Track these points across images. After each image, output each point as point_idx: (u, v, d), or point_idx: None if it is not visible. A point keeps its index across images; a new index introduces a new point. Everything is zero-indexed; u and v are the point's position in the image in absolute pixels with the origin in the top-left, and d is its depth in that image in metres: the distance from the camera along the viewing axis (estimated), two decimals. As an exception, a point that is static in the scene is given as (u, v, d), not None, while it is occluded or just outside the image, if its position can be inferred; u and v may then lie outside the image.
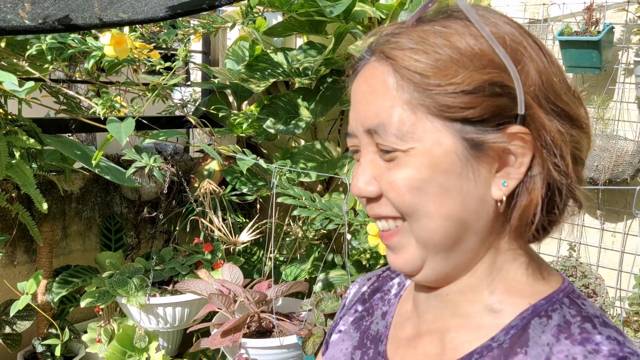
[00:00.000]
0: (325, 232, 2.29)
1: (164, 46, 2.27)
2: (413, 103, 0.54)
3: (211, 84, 2.57)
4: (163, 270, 2.15)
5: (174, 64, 1.95)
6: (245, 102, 2.68)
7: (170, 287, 2.14)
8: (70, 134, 2.33)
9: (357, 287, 0.80)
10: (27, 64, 1.88)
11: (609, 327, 0.54)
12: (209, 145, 2.09)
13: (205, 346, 1.87)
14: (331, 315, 1.76)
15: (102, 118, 1.80)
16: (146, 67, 2.08)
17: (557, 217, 0.58)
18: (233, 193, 2.38)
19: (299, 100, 2.29)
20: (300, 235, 2.31)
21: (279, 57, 2.27)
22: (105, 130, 1.76)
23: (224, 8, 2.59)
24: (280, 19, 2.48)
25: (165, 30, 2.09)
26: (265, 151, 2.75)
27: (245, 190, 2.34)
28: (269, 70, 2.23)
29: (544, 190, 0.55)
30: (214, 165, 2.49)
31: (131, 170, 1.80)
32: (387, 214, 0.58)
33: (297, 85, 2.39)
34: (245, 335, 1.87)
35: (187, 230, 2.47)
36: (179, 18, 2.03)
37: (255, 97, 2.66)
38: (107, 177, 2.00)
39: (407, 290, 0.72)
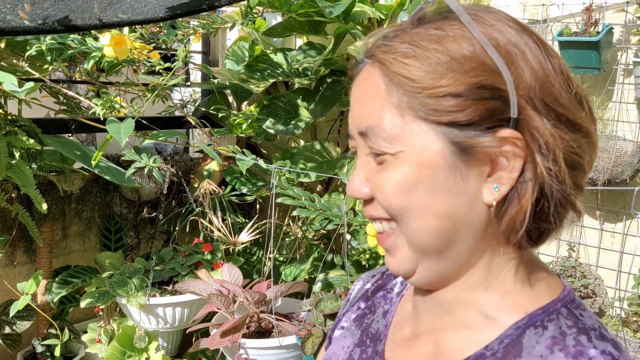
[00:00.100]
0: (324, 232, 2.30)
1: (163, 47, 2.28)
2: (402, 107, 0.54)
3: (211, 85, 2.57)
4: (163, 271, 2.15)
5: (174, 64, 1.95)
6: (245, 103, 2.68)
7: (170, 288, 2.14)
8: (70, 135, 2.33)
9: (362, 284, 0.80)
10: (26, 64, 1.89)
11: (605, 341, 0.53)
12: (209, 145, 2.09)
13: (204, 346, 1.87)
14: (330, 316, 1.76)
15: (102, 118, 1.81)
16: (146, 68, 2.08)
17: (553, 225, 0.56)
18: (233, 193, 2.38)
19: (299, 101, 2.29)
20: (299, 235, 2.32)
21: (278, 58, 2.27)
22: (105, 130, 1.76)
23: (223, 9, 2.59)
24: (279, 19, 2.48)
25: (165, 31, 2.09)
26: (264, 151, 2.75)
27: (244, 190, 2.34)
28: (269, 71, 2.23)
29: (535, 197, 0.54)
30: (213, 165, 2.49)
31: (131, 170, 1.80)
32: (380, 215, 0.58)
33: (296, 86, 2.39)
34: (244, 336, 1.87)
35: (187, 230, 2.47)
36: (179, 19, 2.04)
37: (254, 98, 2.66)
38: (107, 178, 2.00)
39: (409, 290, 0.72)
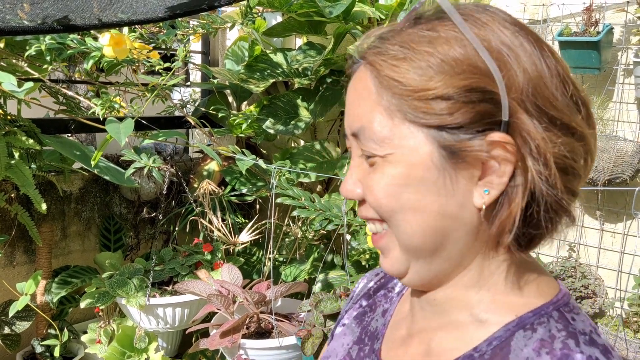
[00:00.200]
0: (324, 232, 2.29)
1: (163, 46, 2.27)
2: (391, 109, 0.54)
3: (210, 85, 2.57)
4: (163, 271, 2.15)
5: (174, 64, 1.95)
6: (245, 103, 2.67)
7: (170, 288, 2.14)
8: (69, 135, 2.33)
9: (365, 282, 0.80)
10: (26, 64, 1.88)
11: (594, 346, 0.52)
12: (209, 145, 2.09)
13: (204, 347, 1.86)
14: (330, 316, 1.75)
15: (102, 118, 1.80)
16: (145, 68, 2.08)
17: (543, 231, 0.55)
18: (232, 193, 2.38)
19: (299, 101, 2.29)
20: (299, 235, 2.31)
21: (278, 58, 2.27)
22: (104, 130, 1.75)
23: (223, 8, 2.59)
24: (279, 19, 2.48)
25: (165, 31, 2.09)
26: (264, 152, 2.75)
27: (244, 190, 2.34)
28: (269, 71, 2.23)
29: (526, 201, 0.53)
30: (213, 165, 2.49)
31: (130, 170, 1.80)
32: (372, 216, 0.59)
33: (296, 86, 2.39)
34: (244, 336, 1.87)
35: (187, 230, 2.47)
36: (178, 18, 2.03)
37: (254, 98, 2.65)
38: (107, 178, 2.00)
39: (408, 290, 0.72)
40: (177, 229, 2.47)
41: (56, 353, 2.08)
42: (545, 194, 0.53)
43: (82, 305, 2.00)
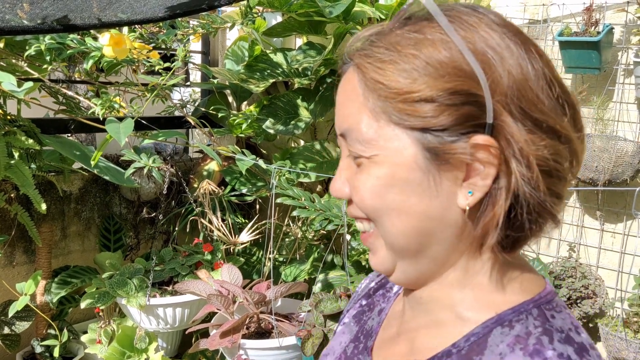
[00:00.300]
0: (324, 232, 2.29)
1: (163, 46, 2.27)
2: (376, 111, 0.55)
3: (210, 85, 2.57)
4: (163, 271, 2.15)
5: (173, 64, 1.95)
6: (245, 103, 2.67)
7: (170, 288, 2.14)
8: (69, 135, 2.33)
9: (367, 282, 0.81)
10: (26, 64, 1.88)
11: (568, 344, 0.52)
12: (209, 145, 2.08)
13: (204, 347, 1.86)
14: (330, 316, 1.75)
15: (101, 118, 1.80)
16: (145, 68, 2.08)
17: (527, 233, 0.55)
18: (232, 193, 2.38)
19: (299, 101, 2.28)
20: (299, 235, 2.31)
21: (278, 58, 2.27)
22: (104, 130, 1.75)
23: (223, 8, 2.59)
24: (279, 19, 2.48)
25: (165, 31, 2.09)
26: (264, 152, 2.74)
27: (244, 190, 2.34)
28: (269, 71, 2.23)
29: (509, 203, 0.53)
30: (213, 165, 2.49)
31: (130, 170, 1.80)
32: (359, 215, 0.60)
33: (296, 86, 2.39)
34: (244, 336, 1.87)
35: (187, 230, 2.46)
36: (178, 18, 2.03)
37: (254, 98, 2.65)
38: (106, 178, 2.00)
39: (403, 289, 0.73)
40: (177, 229, 2.47)
41: (56, 353, 2.08)
42: (529, 196, 0.53)
43: (83, 305, 2.00)
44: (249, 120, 2.31)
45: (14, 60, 1.87)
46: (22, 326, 2.05)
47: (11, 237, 2.12)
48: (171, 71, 1.94)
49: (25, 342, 2.17)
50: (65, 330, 2.14)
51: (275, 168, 1.93)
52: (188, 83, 2.87)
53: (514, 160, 0.52)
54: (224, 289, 1.95)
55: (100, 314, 2.17)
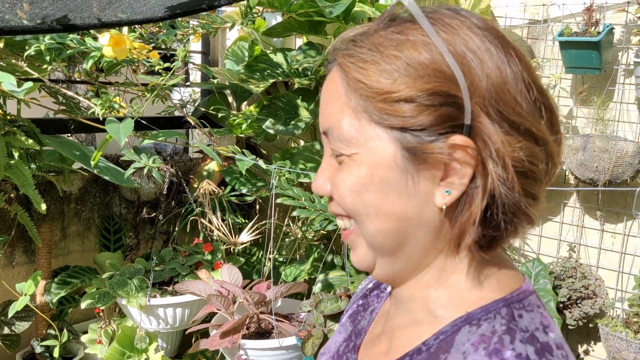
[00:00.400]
0: (324, 232, 2.29)
1: (163, 46, 2.27)
2: (358, 110, 0.56)
3: (210, 85, 2.57)
4: (163, 271, 2.15)
5: (173, 64, 1.95)
6: (245, 103, 2.67)
7: (170, 288, 2.13)
8: (69, 135, 2.33)
9: (366, 282, 0.82)
10: (25, 64, 1.88)
11: (531, 344, 0.52)
12: (208, 145, 2.08)
13: (204, 347, 1.86)
14: (330, 317, 1.75)
15: (101, 118, 1.80)
16: (145, 68, 2.08)
17: (503, 233, 0.56)
18: (232, 194, 2.37)
19: (299, 101, 2.28)
20: (299, 236, 2.31)
21: (278, 58, 2.27)
22: (104, 130, 1.75)
23: (223, 8, 2.59)
24: (279, 19, 2.48)
25: (165, 31, 2.09)
26: (264, 152, 2.74)
27: (244, 190, 2.34)
28: (269, 71, 2.23)
29: (485, 203, 0.54)
30: (213, 165, 2.49)
31: (130, 170, 1.80)
32: (340, 212, 0.61)
33: (296, 86, 2.39)
34: (244, 337, 1.87)
35: (187, 230, 2.46)
36: (178, 18, 2.03)
37: (254, 98, 2.65)
38: (106, 178, 2.00)
39: (390, 289, 0.74)
40: (177, 229, 2.47)
41: (56, 353, 2.08)
42: (504, 196, 0.54)
43: (83, 305, 2.00)
44: (249, 121, 2.30)
45: (13, 60, 1.87)
46: (22, 326, 2.04)
47: (11, 237, 2.12)
48: (171, 71, 1.94)
49: (25, 342, 2.16)
50: (65, 331, 2.13)
51: (275, 168, 1.93)
52: (188, 83, 2.87)
53: (491, 161, 0.53)
54: (224, 289, 1.95)
55: (101, 314, 2.17)
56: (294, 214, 1.89)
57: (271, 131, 2.25)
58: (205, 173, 2.49)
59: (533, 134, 0.54)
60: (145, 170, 1.80)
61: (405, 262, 0.59)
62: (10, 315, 1.93)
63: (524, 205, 0.55)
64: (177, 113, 2.60)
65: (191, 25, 2.12)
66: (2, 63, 1.86)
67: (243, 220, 2.47)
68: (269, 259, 2.17)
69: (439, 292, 0.59)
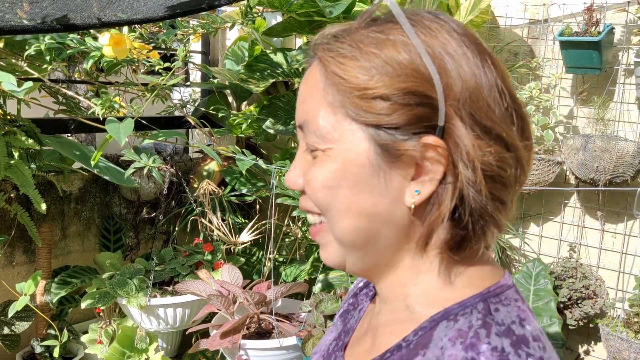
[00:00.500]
0: (324, 232, 2.29)
1: (163, 46, 2.27)
2: (335, 105, 0.56)
3: (210, 85, 2.57)
4: (163, 271, 2.15)
5: (173, 64, 1.94)
6: (245, 103, 2.67)
7: (170, 288, 2.13)
8: (69, 134, 2.33)
9: (357, 281, 0.83)
10: (25, 64, 1.88)
11: (506, 337, 0.52)
12: (209, 145, 2.08)
13: (204, 347, 1.86)
14: (331, 317, 1.75)
15: (101, 118, 1.80)
16: (145, 68, 2.08)
17: (470, 235, 0.57)
18: (232, 194, 2.37)
19: (299, 101, 2.28)
20: (299, 236, 2.31)
21: (278, 58, 2.26)
22: (104, 130, 1.75)
23: (223, 8, 2.59)
24: (279, 19, 2.48)
25: (165, 31, 2.09)
26: (264, 152, 2.74)
27: (244, 190, 2.33)
28: (269, 71, 2.23)
29: (454, 204, 0.55)
30: (213, 165, 2.49)
31: (130, 170, 1.80)
32: (310, 208, 0.61)
33: (296, 86, 2.38)
34: (244, 337, 1.86)
35: (187, 230, 2.46)
36: (178, 18, 2.03)
37: (254, 98, 2.65)
38: (106, 178, 1.99)
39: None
40: (177, 229, 2.47)
41: (56, 353, 2.08)
42: (471, 198, 0.55)
43: (83, 305, 2.00)
44: (249, 120, 2.30)
45: (13, 60, 1.87)
46: (21, 326, 2.04)
47: (11, 237, 2.12)
48: (171, 71, 1.94)
49: (25, 343, 2.16)
50: (65, 331, 2.13)
51: (275, 168, 1.93)
52: (188, 83, 2.87)
53: (461, 163, 0.54)
54: (224, 289, 1.95)
55: (101, 314, 2.17)
56: (294, 214, 1.89)
57: (271, 131, 2.25)
58: (205, 173, 2.49)
59: (504, 139, 0.55)
60: (146, 170, 1.80)
61: (376, 258, 0.60)
62: (10, 315, 1.93)
63: (491, 208, 0.56)
64: (177, 113, 2.60)
65: (191, 25, 2.12)
66: (2, 63, 1.86)
67: (243, 220, 2.47)
68: (269, 259, 2.16)
69: (415, 290, 0.60)
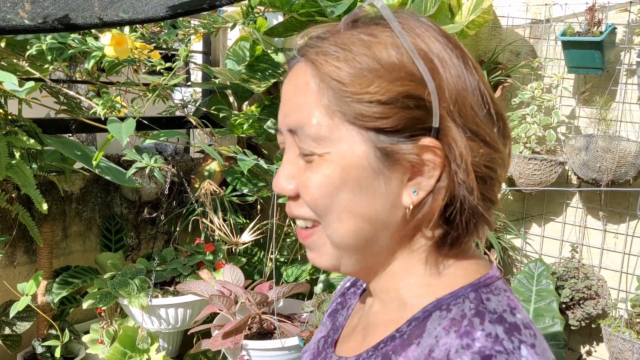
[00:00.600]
0: (326, 233, 2.29)
1: (164, 46, 2.27)
2: (331, 108, 0.56)
3: (212, 85, 2.57)
4: (165, 271, 2.15)
5: (175, 64, 1.94)
6: (246, 103, 2.67)
7: (172, 288, 2.13)
8: (70, 134, 2.33)
9: (344, 281, 0.84)
10: (27, 64, 1.88)
11: (499, 324, 0.53)
12: (210, 145, 2.08)
13: (206, 347, 1.86)
14: (332, 317, 1.75)
15: (103, 118, 1.80)
16: (147, 68, 2.07)
17: (462, 233, 0.58)
18: (234, 194, 2.37)
19: (300, 101, 2.28)
20: (301, 236, 2.30)
21: (279, 58, 2.26)
22: (105, 130, 1.75)
23: (224, 8, 2.58)
24: (281, 19, 2.47)
25: (166, 31, 2.08)
26: (265, 152, 2.74)
27: (246, 190, 2.33)
28: (270, 71, 2.23)
29: (445, 203, 0.56)
30: (214, 165, 2.48)
31: (132, 170, 1.80)
32: (302, 213, 0.60)
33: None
34: (246, 337, 1.86)
35: (188, 231, 2.46)
36: (180, 18, 2.03)
37: (255, 98, 2.65)
38: (108, 178, 1.99)
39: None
40: (178, 229, 2.47)
41: (57, 354, 2.08)
42: (463, 199, 0.56)
43: (85, 305, 2.00)
44: (250, 121, 2.30)
45: (15, 60, 1.87)
46: (23, 326, 2.04)
47: (12, 237, 2.12)
48: (172, 71, 1.94)
49: (27, 343, 2.16)
50: (66, 331, 2.13)
51: (276, 168, 1.92)
52: (189, 83, 2.87)
53: (454, 164, 0.55)
54: (225, 289, 1.95)
55: (102, 314, 2.17)
56: (296, 214, 1.88)
57: (272, 131, 2.25)
58: (206, 173, 2.49)
59: (488, 141, 0.57)
60: (147, 170, 1.80)
61: (370, 259, 0.61)
62: (11, 315, 1.93)
63: (482, 208, 0.57)
64: (178, 113, 2.60)
65: (192, 25, 2.12)
66: (3, 63, 1.86)
67: (244, 221, 2.47)
68: (271, 259, 2.16)
69: (407, 282, 0.61)
